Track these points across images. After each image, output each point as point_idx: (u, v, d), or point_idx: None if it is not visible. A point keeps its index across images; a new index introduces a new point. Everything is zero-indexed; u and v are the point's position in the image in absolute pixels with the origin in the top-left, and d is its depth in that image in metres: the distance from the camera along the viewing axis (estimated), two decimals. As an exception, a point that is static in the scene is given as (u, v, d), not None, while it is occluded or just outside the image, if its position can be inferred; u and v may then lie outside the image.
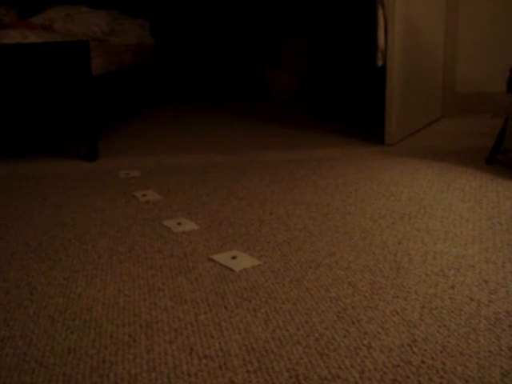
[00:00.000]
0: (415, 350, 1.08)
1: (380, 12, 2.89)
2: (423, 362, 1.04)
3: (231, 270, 1.48)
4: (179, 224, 1.84)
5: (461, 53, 3.39)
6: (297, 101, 4.56)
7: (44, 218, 1.96)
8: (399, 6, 2.78)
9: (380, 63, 2.97)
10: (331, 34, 3.77)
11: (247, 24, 5.29)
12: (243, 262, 1.52)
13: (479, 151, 2.56)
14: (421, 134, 3.07)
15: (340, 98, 3.67)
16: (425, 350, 1.08)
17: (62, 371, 1.06)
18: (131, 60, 3.98)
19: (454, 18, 3.37)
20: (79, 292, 1.39)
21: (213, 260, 1.54)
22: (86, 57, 2.71)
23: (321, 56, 4.11)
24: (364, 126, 3.35)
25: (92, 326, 1.23)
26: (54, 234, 1.80)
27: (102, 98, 3.22)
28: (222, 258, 1.55)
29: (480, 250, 1.54)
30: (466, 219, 1.79)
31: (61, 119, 2.88)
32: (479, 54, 3.40)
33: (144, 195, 2.17)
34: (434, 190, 2.09)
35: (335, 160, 2.61)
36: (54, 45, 2.74)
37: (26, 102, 2.78)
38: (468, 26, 3.23)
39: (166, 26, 5.09)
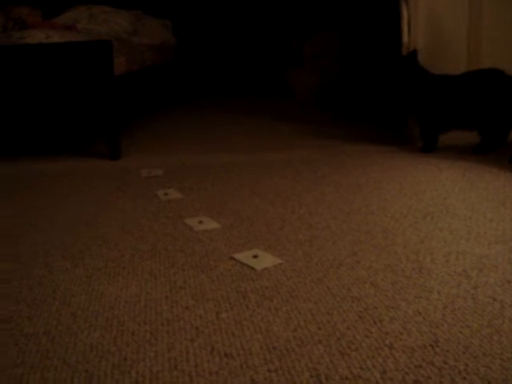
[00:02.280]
0: (437, 350, 1.07)
1: (404, 7, 2.87)
2: (445, 362, 1.03)
3: (252, 268, 1.48)
4: (201, 223, 1.85)
5: (484, 49, 3.35)
6: (319, 100, 4.55)
7: (67, 217, 1.97)
8: (422, 1, 2.76)
9: None
10: (352, 31, 3.76)
11: (269, 23, 5.29)
12: (264, 260, 1.52)
13: (503, 150, 2.54)
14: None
15: (361, 97, 3.65)
16: (447, 351, 1.07)
17: (84, 368, 1.07)
18: (154, 59, 4.00)
19: (477, 14, 3.33)
20: (101, 290, 1.40)
21: (234, 259, 1.54)
22: (109, 56, 2.73)
23: (342, 55, 4.10)
24: (387, 125, 3.33)
25: (114, 323, 1.23)
26: (77, 233, 1.81)
27: (125, 98, 3.24)
28: (244, 256, 1.55)
29: (503, 250, 1.52)
30: (490, 219, 1.77)
31: (84, 118, 2.90)
32: (503, 50, 3.35)
33: (166, 194, 2.18)
34: (457, 190, 2.07)
35: (357, 159, 2.60)
36: (77, 44, 2.77)
37: (50, 102, 2.80)
38: (492, 22, 3.19)
39: (189, 26, 5.12)
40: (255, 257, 1.54)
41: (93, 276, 1.48)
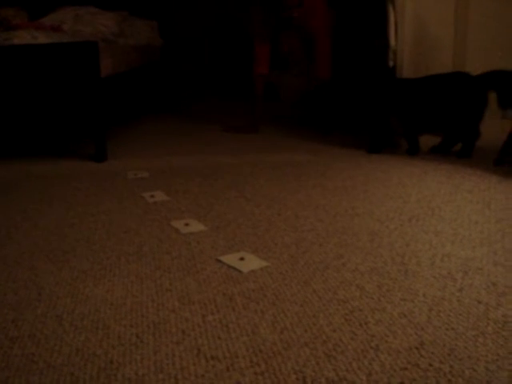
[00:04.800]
0: (423, 352, 1.08)
1: (391, 11, 2.89)
2: (431, 364, 1.04)
3: (239, 271, 1.48)
4: (187, 225, 1.84)
5: (470, 53, 3.38)
6: (302, 103, 4.54)
7: (52, 219, 1.96)
8: (409, 5, 2.78)
9: (391, 64, 2.97)
10: (338, 34, 3.75)
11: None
12: (251, 263, 1.52)
13: (487, 153, 2.55)
14: (429, 135, 3.06)
15: (347, 102, 3.62)
16: (432, 353, 1.07)
17: (69, 371, 1.06)
18: (140, 61, 3.99)
19: (463, 19, 3.36)
20: (87, 292, 1.39)
21: (220, 261, 1.54)
22: (95, 57, 2.72)
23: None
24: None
25: (100, 326, 1.23)
26: (63, 235, 1.80)
27: (111, 99, 3.23)
28: (230, 259, 1.55)
29: (488, 253, 1.53)
30: (475, 221, 1.78)
31: (69, 120, 2.89)
32: (489, 54, 3.38)
33: (152, 196, 2.17)
34: (443, 192, 2.08)
35: (343, 162, 2.61)
36: (63, 45, 2.76)
37: (35, 103, 2.79)
38: (478, 28, 3.22)
39: (175, 27, 5.11)
40: (241, 259, 1.54)
41: (78, 278, 1.47)
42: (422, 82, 2.73)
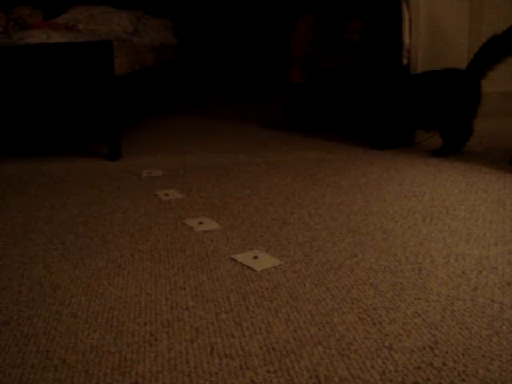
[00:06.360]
0: (437, 352, 1.07)
1: (405, 9, 2.88)
2: (445, 364, 1.03)
3: (252, 269, 1.48)
4: (201, 223, 1.85)
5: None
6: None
7: (67, 217, 1.98)
8: (423, 3, 2.77)
9: (405, 62, 2.96)
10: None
11: (271, 23, 5.29)
12: (264, 261, 1.52)
13: (503, 152, 2.54)
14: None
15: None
16: (446, 353, 1.07)
17: (84, 369, 1.07)
18: (154, 60, 4.00)
19: (478, 15, 3.34)
20: (101, 290, 1.40)
21: (234, 259, 1.55)
22: (109, 57, 2.73)
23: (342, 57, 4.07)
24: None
25: (114, 324, 1.24)
26: (77, 233, 1.81)
27: (125, 98, 3.24)
28: (244, 257, 1.56)
29: (503, 252, 1.52)
30: (489, 220, 1.77)
31: (84, 118, 2.90)
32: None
33: (166, 194, 2.18)
34: (457, 191, 2.07)
35: (357, 160, 2.60)
36: (78, 45, 2.77)
37: (50, 102, 2.81)
38: (493, 23, 3.20)
39: (189, 26, 5.12)
40: (255, 258, 1.54)
41: (93, 276, 1.48)
42: (416, 78, 2.75)
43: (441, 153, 2.61)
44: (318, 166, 2.53)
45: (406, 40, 2.91)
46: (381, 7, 3.34)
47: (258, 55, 5.38)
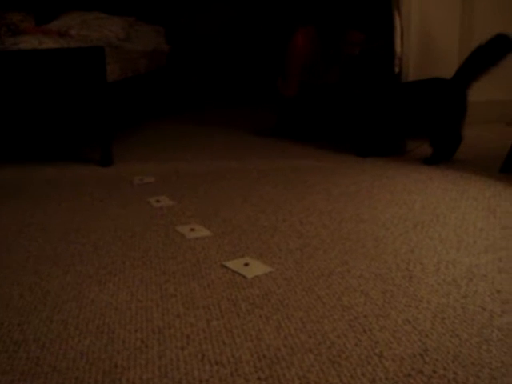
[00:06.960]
0: (427, 359, 1.08)
1: (396, 18, 2.89)
2: (435, 371, 1.04)
3: (243, 276, 1.48)
4: (192, 230, 1.85)
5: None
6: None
7: (58, 223, 1.97)
8: (415, 11, 2.79)
9: (397, 70, 2.97)
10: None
11: (264, 29, 5.29)
12: (255, 268, 1.52)
13: (493, 160, 2.55)
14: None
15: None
16: (436, 360, 1.07)
17: (74, 375, 1.07)
18: (147, 66, 4.00)
19: (469, 24, 3.36)
20: (92, 297, 1.40)
21: (225, 266, 1.55)
22: (101, 63, 2.73)
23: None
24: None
25: (104, 330, 1.23)
26: (68, 239, 1.81)
27: (118, 104, 3.24)
28: (235, 264, 1.56)
29: (493, 260, 1.53)
30: (480, 228, 1.78)
31: (76, 124, 2.90)
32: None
33: (158, 201, 2.18)
34: (448, 199, 2.08)
35: (348, 168, 2.61)
36: (70, 51, 2.77)
37: (42, 108, 2.80)
38: (483, 33, 3.22)
39: (182, 33, 5.12)
40: (246, 265, 1.55)
41: (83, 283, 1.48)
42: (404, 87, 2.77)
43: (432, 161, 2.62)
44: (310, 173, 2.53)
45: (398, 48, 2.92)
46: (374, 17, 3.36)
47: (251, 62, 5.39)
